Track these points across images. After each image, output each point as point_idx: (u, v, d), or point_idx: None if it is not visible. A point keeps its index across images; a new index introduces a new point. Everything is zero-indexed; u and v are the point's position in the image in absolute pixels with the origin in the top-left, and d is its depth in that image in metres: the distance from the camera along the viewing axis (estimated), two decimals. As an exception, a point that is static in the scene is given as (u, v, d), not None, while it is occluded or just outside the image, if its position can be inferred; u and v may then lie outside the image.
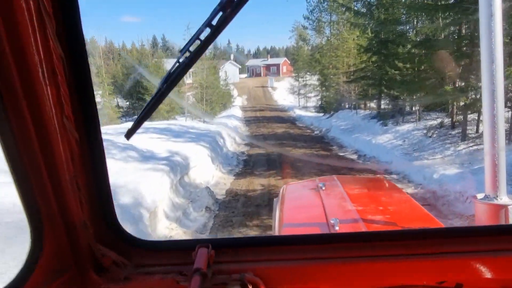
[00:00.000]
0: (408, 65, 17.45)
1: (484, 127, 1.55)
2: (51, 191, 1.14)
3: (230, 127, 26.38)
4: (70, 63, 1.07)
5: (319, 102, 43.91)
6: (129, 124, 1.41)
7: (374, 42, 21.95)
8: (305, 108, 46.42)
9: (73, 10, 1.04)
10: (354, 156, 17.73)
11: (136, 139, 14.45)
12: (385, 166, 14.89)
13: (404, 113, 20.25)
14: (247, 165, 16.18)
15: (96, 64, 46.57)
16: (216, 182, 12.82)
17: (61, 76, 1.05)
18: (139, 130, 1.33)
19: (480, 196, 1.67)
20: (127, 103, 49.35)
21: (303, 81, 49.06)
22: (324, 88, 42.10)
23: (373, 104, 29.77)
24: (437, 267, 1.26)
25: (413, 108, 20.32)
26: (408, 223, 3.15)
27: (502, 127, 1.54)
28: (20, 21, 0.94)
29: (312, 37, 39.26)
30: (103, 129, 25.75)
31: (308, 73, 47.21)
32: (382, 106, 23.22)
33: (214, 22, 1.09)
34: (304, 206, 4.16)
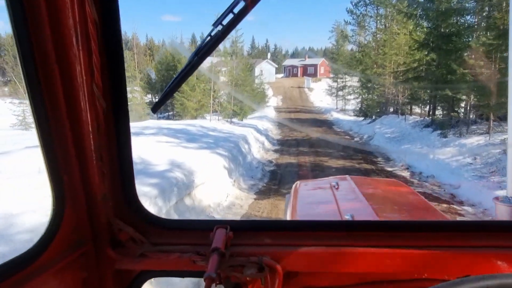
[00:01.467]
0: (481, 63, 13.66)
1: (509, 134, 1.50)
2: (75, 160, 1.11)
3: (260, 130, 23.31)
4: (104, 30, 1.02)
5: (359, 105, 40.05)
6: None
7: (432, 36, 18.12)
8: (343, 111, 42.60)
9: None
10: (406, 173, 14.17)
11: (139, 143, 11.65)
12: (450, 190, 11.28)
13: (469, 122, 16.37)
14: (274, 179, 13.04)
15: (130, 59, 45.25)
16: (230, 204, 9.77)
17: (94, 42, 1.01)
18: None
19: (501, 197, 1.57)
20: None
21: (342, 82, 45.19)
22: (365, 90, 38.22)
23: (418, 109, 25.79)
24: (458, 260, 1.20)
25: (471, 115, 16.48)
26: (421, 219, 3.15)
27: None
28: None
29: (354, 35, 35.42)
30: (138, 124, 23.52)
31: (348, 73, 43.27)
32: (437, 112, 19.31)
33: None
34: (318, 202, 3.95)
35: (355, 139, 23.70)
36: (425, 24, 18.77)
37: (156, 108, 1.36)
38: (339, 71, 45.25)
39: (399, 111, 23.84)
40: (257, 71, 63.60)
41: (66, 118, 1.06)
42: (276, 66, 79.56)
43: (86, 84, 1.04)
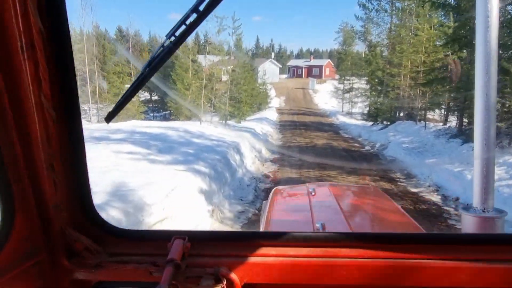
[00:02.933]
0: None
1: (475, 139, 1.36)
2: (24, 170, 1.08)
3: (258, 134, 20.20)
4: (51, 39, 1.00)
5: (367, 109, 36.88)
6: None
7: (463, 31, 14.93)
8: (349, 114, 39.44)
9: None
10: (436, 197, 11.02)
11: (92, 153, 8.51)
12: (510, 230, 8.07)
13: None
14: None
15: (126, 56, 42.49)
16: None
17: (40, 51, 0.99)
18: (115, 136, 1.12)
19: (467, 207, 1.44)
20: (156, 97, 44.62)
21: (349, 83, 41.99)
22: (375, 93, 35.04)
23: (431, 115, 22.57)
24: (418, 271, 1.22)
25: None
26: (393, 230, 3.06)
27: (493, 139, 1.38)
28: None
29: (365, 32, 32.05)
30: (115, 125, 20.58)
31: (356, 74, 40.10)
32: (466, 120, 16.11)
33: (200, 8, 1.05)
34: (292, 209, 3.93)
35: (366, 147, 20.52)
36: (452, 16, 15.56)
37: (109, 118, 1.25)
38: (346, 72, 42.07)
39: (417, 117, 20.63)
40: (260, 71, 60.84)
41: (14, 129, 1.03)
42: (280, 66, 76.43)
43: (33, 94, 1.02)
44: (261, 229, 3.48)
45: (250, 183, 11.49)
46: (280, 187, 4.95)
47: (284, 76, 79.41)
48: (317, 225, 2.88)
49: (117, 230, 1.32)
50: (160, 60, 1.13)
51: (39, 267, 1.18)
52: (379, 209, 3.88)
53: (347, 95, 42.58)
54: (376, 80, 31.66)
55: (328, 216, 3.27)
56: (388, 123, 25.60)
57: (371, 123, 30.39)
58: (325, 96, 53.79)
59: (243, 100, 26.38)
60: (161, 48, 1.13)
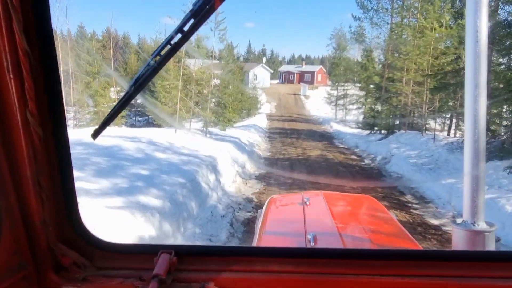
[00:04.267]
0: None
1: (465, 152, 1.37)
2: (11, 186, 1.09)
3: (243, 145, 17.45)
4: (36, 58, 1.03)
5: (362, 116, 34.42)
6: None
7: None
8: (343, 122, 36.90)
9: (42, 6, 1.00)
10: (466, 233, 8.27)
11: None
12: None
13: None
14: (251, 239, 7.19)
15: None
16: None
17: (26, 71, 1.01)
18: None
19: (458, 221, 1.44)
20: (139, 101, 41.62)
21: (343, 89, 39.53)
22: (371, 100, 32.56)
23: (432, 124, 20.12)
24: None
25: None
26: (387, 244, 3.01)
27: (483, 152, 1.38)
28: None
29: (361, 35, 29.65)
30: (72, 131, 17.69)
31: (351, 80, 37.67)
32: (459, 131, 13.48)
33: (185, 28, 1.07)
34: (286, 219, 3.86)
35: (365, 160, 17.89)
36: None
37: (95, 135, 1.27)
38: (339, 78, 39.62)
39: (423, 127, 18.07)
40: (250, 75, 58.27)
41: (1, 146, 1.04)
42: (272, 71, 73.92)
43: (19, 112, 1.03)
44: (255, 238, 3.35)
45: (225, 212, 8.73)
46: (275, 196, 4.81)
47: (276, 81, 76.93)
48: (309, 237, 2.79)
49: (105, 244, 1.29)
50: (145, 79, 1.16)
51: (26, 281, 1.17)
52: (374, 221, 3.75)
53: (340, 102, 40.09)
54: (373, 86, 29.20)
55: (321, 228, 3.16)
56: (387, 132, 23.06)
57: (367, 131, 27.85)
58: (317, 102, 51.33)
59: (229, 105, 23.61)
60: (147, 67, 1.15)
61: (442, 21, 16.34)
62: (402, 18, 21.82)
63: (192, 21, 1.05)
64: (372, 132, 27.15)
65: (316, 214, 3.70)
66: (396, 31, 21.30)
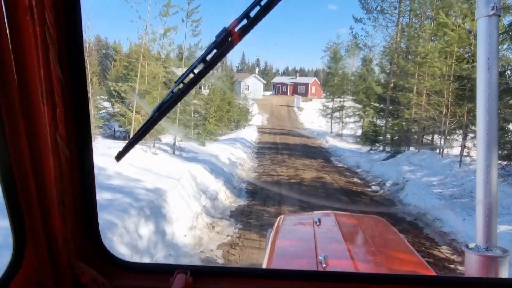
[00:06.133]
0: None
1: (478, 176, 1.35)
2: (37, 205, 1.12)
3: (222, 165, 13.70)
4: (69, 85, 1.08)
5: (360, 130, 30.92)
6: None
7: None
8: (339, 136, 33.35)
9: (76, 38, 1.06)
10: None
11: None
12: None
13: None
14: None
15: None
16: None
17: (58, 97, 1.07)
18: None
19: (471, 246, 1.42)
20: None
21: (340, 101, 36.05)
22: (369, 112, 29.09)
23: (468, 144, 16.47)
24: None
25: None
26: (399, 267, 2.95)
27: (495, 176, 1.35)
28: (26, 44, 0.98)
29: (364, 36, 26.24)
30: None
31: (349, 91, 34.24)
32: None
33: (208, 58, 1.11)
34: (297, 240, 3.74)
35: (372, 186, 14.19)
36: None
37: (119, 157, 1.30)
38: (335, 89, 36.17)
39: (443, 146, 14.47)
40: (242, 85, 54.86)
41: (30, 166, 1.06)
42: (265, 82, 70.60)
43: (50, 135, 1.07)
44: (265, 257, 3.25)
45: None
46: (286, 215, 4.63)
47: (269, 92, 73.57)
48: (320, 258, 2.77)
49: (123, 263, 1.31)
50: (169, 105, 1.20)
51: None
52: (385, 244, 3.57)
53: (336, 114, 36.58)
54: (374, 97, 25.70)
55: (332, 249, 3.08)
56: (393, 151, 19.44)
57: (367, 148, 24.28)
58: (310, 114, 47.92)
59: (211, 115, 19.89)
60: (170, 94, 1.19)
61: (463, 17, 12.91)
62: (413, 16, 18.37)
63: (214, 51, 1.09)
64: (373, 148, 23.57)
65: (327, 235, 3.57)
66: (407, 31, 17.82)
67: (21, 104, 1.01)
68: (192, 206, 8.36)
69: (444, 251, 8.04)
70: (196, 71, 1.13)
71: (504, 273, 1.32)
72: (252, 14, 1.03)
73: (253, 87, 59.38)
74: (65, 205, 1.14)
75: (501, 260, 1.32)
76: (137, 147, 12.32)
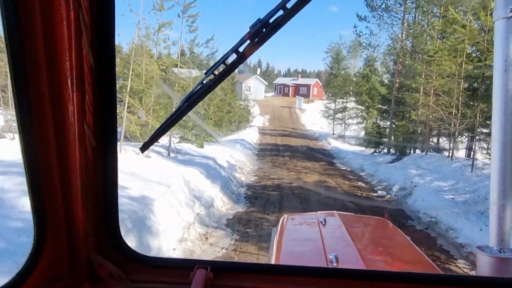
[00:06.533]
0: None
1: (492, 177, 1.34)
2: (60, 196, 1.09)
3: (220, 168, 12.93)
4: (99, 73, 1.04)
5: (364, 132, 30.14)
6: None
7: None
8: (342, 138, 32.53)
9: (109, 24, 1.02)
10: None
11: None
12: None
13: None
14: None
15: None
16: None
17: (88, 85, 1.03)
18: None
19: (483, 247, 1.39)
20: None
21: (343, 102, 35.24)
22: (372, 113, 28.34)
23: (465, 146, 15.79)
24: None
25: None
26: (408, 267, 2.97)
27: (510, 178, 1.33)
28: (58, 29, 0.95)
29: (369, 35, 25.34)
30: None
31: (352, 92, 33.43)
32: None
33: (240, 49, 1.07)
34: (303, 239, 3.68)
35: (378, 191, 13.39)
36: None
37: (144, 148, 1.30)
38: (338, 89, 35.35)
39: (451, 148, 13.64)
40: (244, 86, 54.07)
41: (55, 155, 1.03)
42: (266, 83, 69.85)
43: (77, 123, 1.04)
44: (272, 257, 3.24)
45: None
46: (289, 214, 4.58)
47: (270, 94, 72.79)
48: (330, 257, 2.74)
49: (141, 257, 1.27)
50: (198, 96, 1.16)
51: None
52: (392, 244, 3.59)
53: (339, 115, 35.76)
54: (378, 98, 24.90)
55: (341, 248, 3.04)
56: (399, 153, 18.61)
57: (370, 150, 23.46)
58: (312, 115, 47.14)
59: (210, 116, 19.14)
60: (200, 85, 1.16)
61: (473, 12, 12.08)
62: (421, 13, 17.52)
63: (248, 42, 1.05)
64: (377, 151, 22.75)
65: (334, 234, 3.56)
66: (413, 28, 17.00)
67: (50, 90, 0.98)
68: (183, 215, 7.58)
69: (462, 266, 7.25)
70: (227, 62, 1.09)
71: None
72: (288, 5, 0.99)
73: (254, 88, 58.64)
74: (88, 197, 1.11)
75: None
76: (129, 149, 11.55)
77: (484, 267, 1.34)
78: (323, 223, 3.69)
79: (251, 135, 29.73)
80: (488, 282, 1.21)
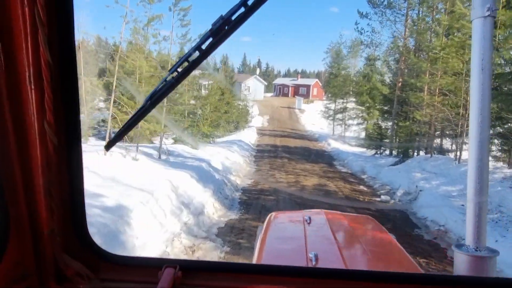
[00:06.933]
0: None
1: (469, 175, 1.35)
2: (22, 195, 1.07)
3: (213, 171, 12.14)
4: (58, 70, 1.03)
5: (364, 133, 29.37)
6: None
7: None
8: (342, 139, 31.73)
9: (67, 20, 1.01)
10: None
11: None
12: None
13: None
14: None
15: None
16: None
17: (47, 82, 1.02)
18: None
19: (460, 245, 1.41)
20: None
21: (343, 102, 34.47)
22: (373, 114, 27.58)
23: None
24: None
25: None
26: (388, 266, 2.96)
27: (486, 176, 1.36)
28: (14, 26, 0.95)
29: (370, 32, 24.44)
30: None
31: (352, 92, 32.66)
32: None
33: (203, 47, 1.07)
34: (287, 237, 3.67)
35: (381, 195, 12.58)
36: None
37: (109, 147, 1.33)
38: (338, 89, 34.58)
39: (458, 150, 12.82)
40: (243, 87, 53.31)
41: (16, 154, 1.02)
42: (266, 83, 69.07)
43: (37, 121, 1.02)
44: (255, 254, 3.21)
45: None
46: (277, 212, 4.62)
47: (270, 94, 72.04)
48: (310, 256, 2.72)
49: (110, 256, 1.24)
50: (161, 94, 1.15)
51: None
52: (375, 242, 3.58)
53: (339, 116, 34.98)
54: (380, 98, 24.13)
55: (322, 247, 3.03)
56: (402, 155, 17.83)
57: (371, 151, 22.67)
58: (312, 116, 46.40)
59: (206, 116, 18.35)
60: (163, 83, 1.15)
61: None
62: (426, 8, 16.66)
63: (210, 40, 1.05)
64: (379, 152, 21.97)
65: (318, 233, 3.54)
66: (418, 25, 16.18)
67: (7, 88, 0.98)
68: (167, 226, 6.79)
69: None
70: (190, 59, 1.09)
71: (492, 273, 1.29)
72: (249, 2, 1.00)
73: (253, 88, 57.90)
74: (52, 196, 1.10)
75: (490, 260, 1.29)
76: (115, 151, 10.76)
77: (461, 265, 1.31)
78: (308, 221, 3.65)
79: (249, 135, 28.96)
80: (463, 281, 1.19)
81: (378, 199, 12.24)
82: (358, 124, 31.10)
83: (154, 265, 1.16)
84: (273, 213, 4.34)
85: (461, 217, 8.95)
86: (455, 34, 12.10)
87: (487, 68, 1.29)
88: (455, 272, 1.42)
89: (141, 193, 6.90)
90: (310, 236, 3.32)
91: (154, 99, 1.13)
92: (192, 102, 20.44)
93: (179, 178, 9.28)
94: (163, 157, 12.42)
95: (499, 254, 1.35)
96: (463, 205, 9.67)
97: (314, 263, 2.61)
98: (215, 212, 9.07)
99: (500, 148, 11.94)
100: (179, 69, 1.11)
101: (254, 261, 2.96)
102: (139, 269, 1.20)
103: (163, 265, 1.13)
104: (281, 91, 72.11)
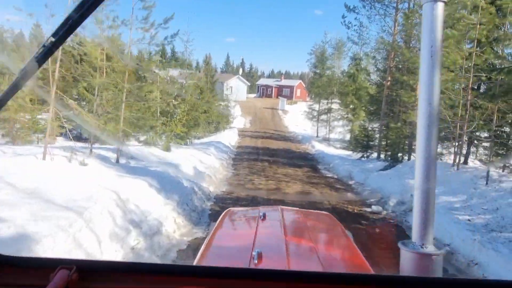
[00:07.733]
0: None
1: (416, 171, 1.25)
2: None
3: (181, 178, 10.40)
4: None
5: (349, 135, 28.15)
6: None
7: None
8: (326, 141, 30.45)
9: None
10: None
11: None
12: None
13: None
14: None
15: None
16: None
17: None
18: None
19: (406, 242, 1.30)
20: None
21: (328, 103, 33.17)
22: (358, 115, 26.41)
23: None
24: None
25: None
26: (337, 266, 2.77)
27: (433, 171, 1.25)
28: None
29: (359, 28, 23.04)
30: None
31: (338, 93, 31.41)
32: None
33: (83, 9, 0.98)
34: (236, 234, 3.53)
35: (373, 206, 11.09)
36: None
37: None
38: (322, 89, 33.26)
39: (458, 156, 11.46)
40: (225, 87, 51.55)
41: None
42: (249, 84, 67.47)
43: None
44: (199, 252, 2.94)
45: None
46: (233, 208, 4.37)
47: (253, 95, 70.41)
48: (254, 253, 2.53)
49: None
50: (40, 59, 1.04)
51: None
52: (327, 241, 3.46)
53: (323, 117, 33.67)
54: (367, 98, 22.86)
55: (269, 245, 2.85)
56: (392, 159, 16.48)
57: (357, 154, 21.33)
58: (295, 117, 45.04)
59: (179, 116, 16.59)
60: (42, 48, 1.03)
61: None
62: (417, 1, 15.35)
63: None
64: (365, 155, 20.63)
65: (269, 230, 3.34)
66: (411, 17, 14.83)
67: None
68: (105, 254, 5.06)
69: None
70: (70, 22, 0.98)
71: (438, 272, 1.23)
72: None
73: (236, 88, 56.25)
74: None
75: (436, 258, 1.23)
76: (60, 154, 8.89)
77: (407, 264, 1.23)
78: (262, 218, 3.43)
79: (229, 137, 27.31)
80: (407, 282, 1.12)
81: (368, 209, 10.75)
82: (343, 125, 29.86)
83: (47, 266, 1.01)
84: (230, 209, 4.12)
85: (470, 235, 7.53)
86: (455, 26, 10.81)
87: (437, 56, 1.16)
88: (401, 271, 1.28)
89: (66, 213, 5.14)
90: (261, 233, 3.08)
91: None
92: (171, 100, 18.71)
93: (133, 188, 7.54)
94: (122, 161, 10.62)
95: (445, 252, 1.11)
96: (469, 220, 8.27)
97: (256, 262, 2.39)
98: (177, 229, 7.37)
99: None
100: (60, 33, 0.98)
101: (196, 260, 2.67)
102: (29, 271, 1.04)
103: (58, 265, 1.01)
104: (265, 92, 70.63)
